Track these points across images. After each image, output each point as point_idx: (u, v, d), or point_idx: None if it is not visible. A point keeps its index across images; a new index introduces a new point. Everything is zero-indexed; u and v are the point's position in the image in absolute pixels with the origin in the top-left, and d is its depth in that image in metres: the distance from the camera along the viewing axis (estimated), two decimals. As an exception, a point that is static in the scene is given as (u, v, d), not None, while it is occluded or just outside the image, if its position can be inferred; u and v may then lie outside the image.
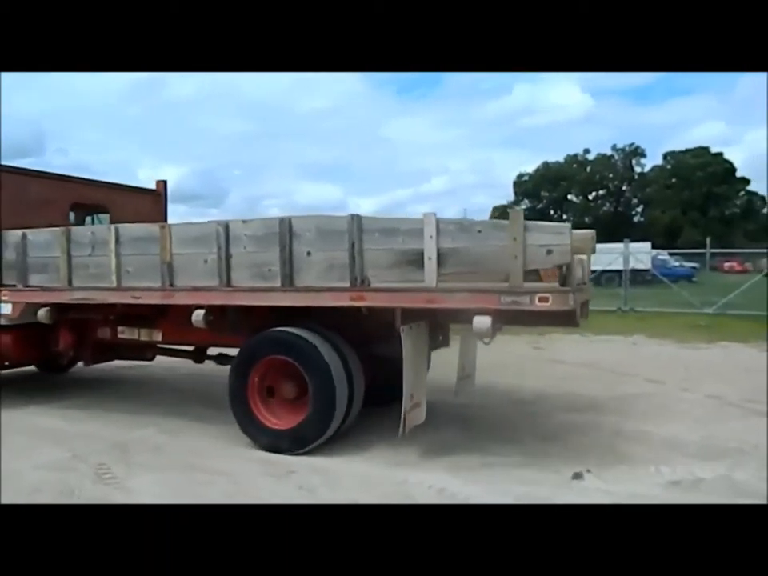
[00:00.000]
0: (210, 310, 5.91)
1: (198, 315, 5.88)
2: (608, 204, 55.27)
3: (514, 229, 4.74)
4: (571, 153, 56.03)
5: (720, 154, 52.76)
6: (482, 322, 4.83)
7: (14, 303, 6.95)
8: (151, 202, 8.93)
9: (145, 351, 7.77)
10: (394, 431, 5.27)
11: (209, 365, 7.52)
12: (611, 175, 54.83)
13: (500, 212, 59.59)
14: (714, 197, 52.13)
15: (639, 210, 53.88)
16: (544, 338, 12.03)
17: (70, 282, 6.58)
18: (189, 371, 8.88)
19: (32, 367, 8.74)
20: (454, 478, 4.86)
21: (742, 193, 52.92)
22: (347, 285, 5.32)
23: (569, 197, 56.95)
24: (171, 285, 6.06)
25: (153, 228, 6.26)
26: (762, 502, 4.20)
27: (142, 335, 7.13)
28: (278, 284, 5.58)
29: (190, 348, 7.49)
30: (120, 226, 6.44)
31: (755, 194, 53.18)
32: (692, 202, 52.47)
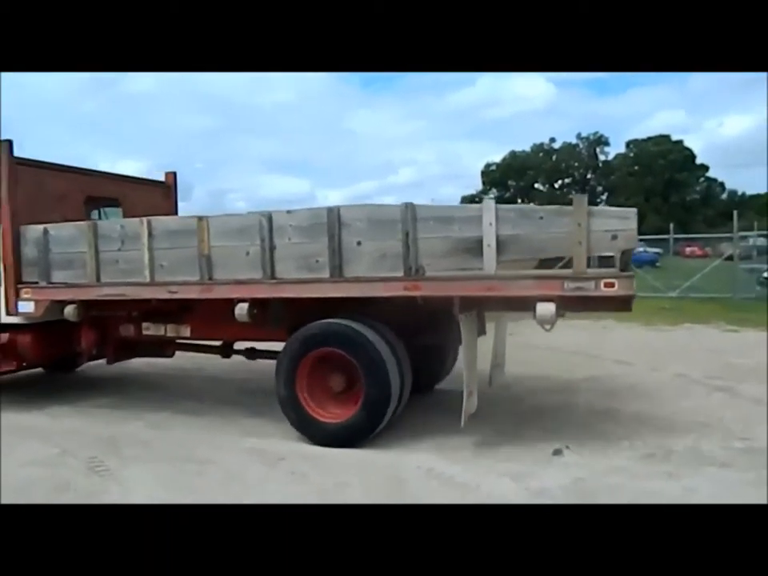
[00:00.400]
0: (254, 303, 5.77)
1: (241, 309, 5.74)
2: (574, 192, 55.85)
3: (579, 214, 4.75)
4: (537, 142, 56.78)
5: (680, 142, 54.05)
6: (546, 308, 4.84)
7: (36, 301, 6.69)
8: (161, 195, 8.71)
9: (167, 348, 7.60)
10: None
11: (184, 360, 7.41)
12: (576, 164, 55.68)
13: (468, 201, 60.00)
14: (675, 183, 53.34)
15: (604, 197, 54.80)
16: (515, 324, 12.06)
17: (98, 277, 6.37)
18: (169, 367, 8.94)
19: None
20: (441, 458, 5.12)
21: (702, 179, 54.34)
22: (400, 274, 5.27)
23: (536, 185, 57.63)
24: (210, 278, 5.91)
25: (189, 221, 6.09)
26: (750, 494, 4.22)
27: (169, 331, 6.96)
28: (326, 275, 5.50)
29: (217, 343, 7.32)
30: (153, 219, 6.27)
31: (714, 180, 54.73)
32: (654, 188, 53.59)
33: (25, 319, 6.96)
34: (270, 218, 5.69)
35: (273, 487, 4.66)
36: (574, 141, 55.92)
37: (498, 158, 57.98)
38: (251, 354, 7.19)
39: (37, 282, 6.70)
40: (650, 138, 53.58)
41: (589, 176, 56.22)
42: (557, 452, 5.18)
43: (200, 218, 5.99)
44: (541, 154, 55.94)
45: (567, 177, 55.98)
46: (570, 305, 5.01)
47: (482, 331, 6.11)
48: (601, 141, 55.56)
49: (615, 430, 5.79)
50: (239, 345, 7.35)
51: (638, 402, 6.82)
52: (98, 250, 6.35)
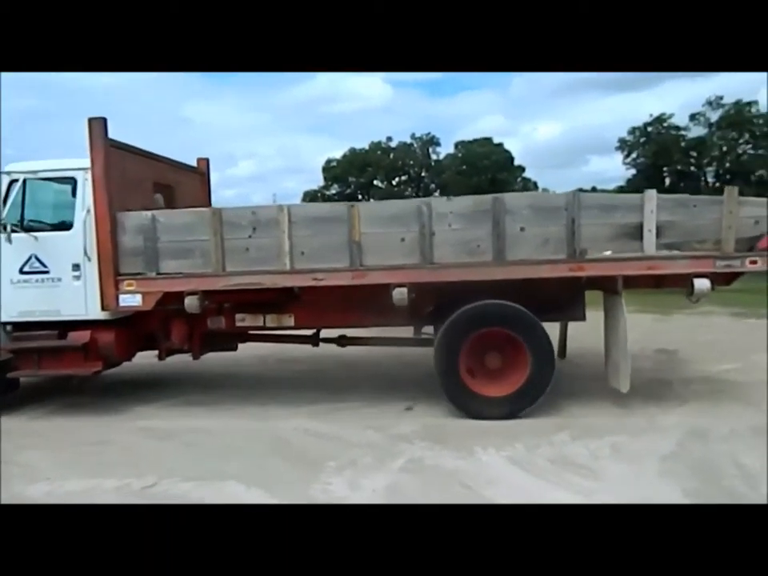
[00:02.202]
0: (411, 287, 5.96)
1: (401, 293, 5.91)
2: (410, 189, 58.86)
3: (731, 204, 5.67)
4: (375, 140, 58.68)
5: (501, 144, 58.95)
6: (703, 283, 5.71)
7: (145, 293, 6.22)
8: (200, 182, 8.33)
9: (244, 339, 7.39)
10: (266, 389, 7.47)
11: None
12: (412, 162, 58.42)
13: (310, 197, 60.39)
14: (498, 182, 58.00)
15: (437, 194, 58.19)
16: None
17: (223, 266, 6.13)
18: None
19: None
20: (315, 421, 6.16)
21: (520, 179, 59.81)
22: (563, 257, 5.83)
23: (375, 182, 59.45)
24: (361, 264, 6.01)
25: (339, 208, 6.13)
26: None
27: (269, 321, 6.83)
28: (488, 258, 5.89)
29: (307, 333, 7.29)
30: (293, 205, 6.20)
31: (529, 179, 60.57)
32: (480, 186, 57.63)
33: (107, 315, 6.45)
34: (429, 205, 5.95)
35: (169, 455, 5.37)
36: (408, 140, 58.60)
37: (338, 153, 58.93)
38: (343, 341, 7.27)
39: (140, 273, 6.24)
40: (475, 140, 57.85)
41: (423, 174, 59.30)
42: (408, 408, 6.46)
43: (351, 205, 6.07)
44: (379, 152, 57.90)
45: (404, 174, 58.57)
46: (716, 280, 5.89)
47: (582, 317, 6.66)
48: (433, 141, 58.81)
49: None
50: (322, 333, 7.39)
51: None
52: (224, 237, 6.11)
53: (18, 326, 6.61)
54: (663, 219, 5.73)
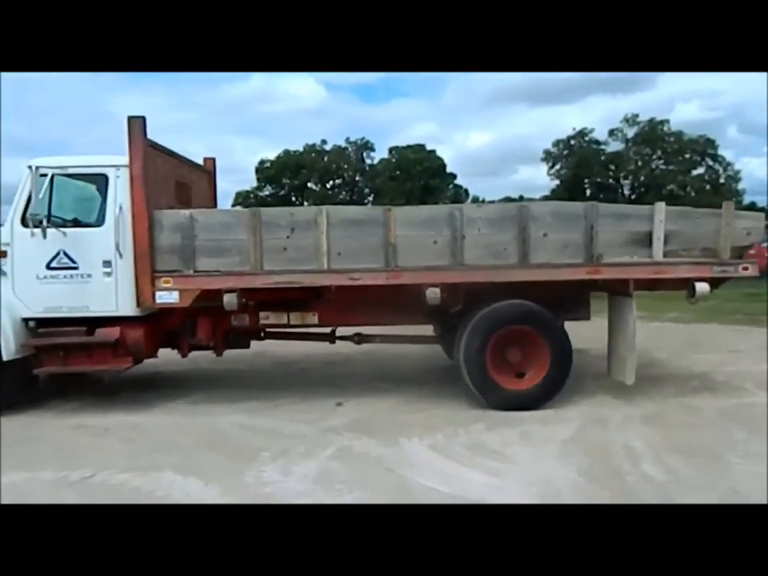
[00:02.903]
0: (443, 287, 6.36)
1: (434, 293, 6.29)
2: (344, 192, 59.07)
3: (727, 216, 6.39)
4: (309, 142, 58.67)
5: (434, 152, 60.17)
6: (703, 286, 6.40)
7: (182, 290, 6.33)
8: (207, 181, 8.42)
9: (261, 336, 7.56)
10: (207, 389, 7.59)
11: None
12: (346, 166, 58.66)
13: (243, 197, 59.59)
14: (431, 189, 59.16)
15: (371, 198, 58.78)
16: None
17: (261, 265, 6.34)
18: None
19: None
20: (251, 416, 6.43)
21: (451, 186, 61.27)
22: (581, 261, 6.39)
23: (309, 184, 59.40)
24: (396, 265, 6.36)
25: (374, 211, 6.46)
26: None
27: (293, 319, 7.06)
28: (514, 261, 6.38)
29: (324, 331, 7.54)
30: (331, 207, 6.48)
31: (460, 186, 62.16)
32: (413, 192, 58.59)
33: (135, 312, 6.52)
34: (461, 210, 6.38)
35: (104, 450, 5.49)
36: (343, 144, 58.92)
37: (271, 155, 58.53)
38: (360, 338, 7.58)
39: (177, 271, 6.35)
40: (409, 146, 58.82)
41: (357, 178, 59.71)
42: (338, 404, 6.81)
43: (388, 209, 6.41)
44: (313, 154, 57.87)
45: (338, 178, 58.73)
46: (712, 283, 6.59)
47: (587, 316, 7.22)
48: (367, 146, 59.32)
49: (382, 385, 7.58)
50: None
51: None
52: (263, 237, 6.32)
53: (41, 322, 6.55)
54: (670, 228, 6.38)
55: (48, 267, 6.42)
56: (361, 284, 6.37)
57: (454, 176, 61.73)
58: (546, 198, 55.56)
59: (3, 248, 6.46)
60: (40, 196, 6.23)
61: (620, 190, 54.50)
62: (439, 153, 60.15)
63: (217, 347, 7.19)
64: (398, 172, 58.23)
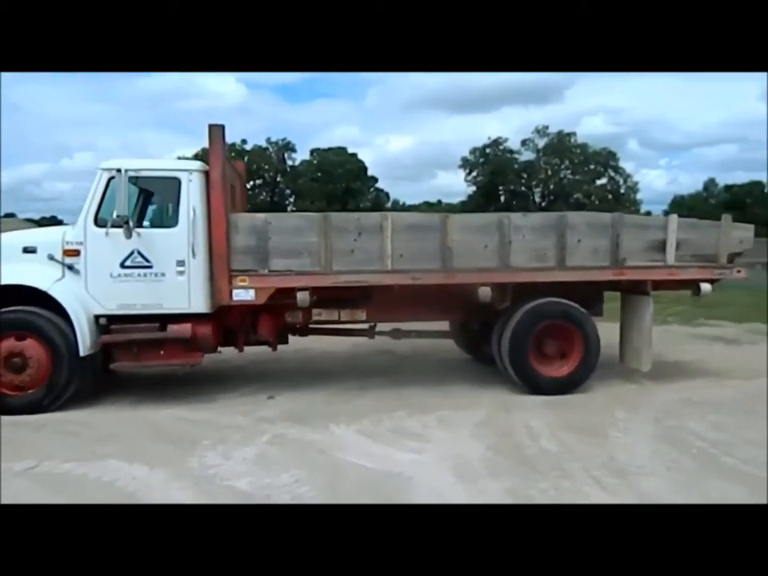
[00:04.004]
0: (493, 287, 7.11)
1: (485, 292, 7.04)
2: (265, 193, 58.83)
3: (726, 227, 7.53)
4: (229, 142, 58.12)
5: (355, 154, 60.99)
6: (707, 286, 7.52)
7: (258, 289, 6.73)
8: (240, 183, 8.75)
9: (310, 333, 8.02)
10: (150, 387, 7.61)
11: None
12: (267, 166, 58.43)
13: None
14: (352, 191, 59.99)
15: (292, 200, 58.83)
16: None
17: (330, 266, 6.86)
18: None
19: None
20: (189, 410, 6.72)
21: (372, 189, 62.34)
22: (607, 264, 7.33)
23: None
24: (452, 267, 7.05)
25: (433, 218, 7.12)
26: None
27: (343, 316, 7.58)
28: (552, 264, 7.23)
29: (364, 326, 8.09)
30: (394, 214, 7.07)
31: (381, 190, 63.32)
32: (334, 194, 59.26)
33: (201, 309, 6.85)
34: (509, 218, 7.17)
35: (46, 443, 5.63)
36: (264, 144, 58.71)
37: (189, 152, 57.40)
38: (396, 334, 8.20)
39: (252, 270, 6.75)
40: (330, 149, 59.41)
41: (278, 179, 59.59)
42: (270, 397, 7.23)
43: (446, 216, 7.10)
44: (233, 154, 57.08)
45: (259, 178, 58.29)
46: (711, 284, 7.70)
47: (601, 313, 8.18)
48: (288, 147, 59.39)
49: (310, 380, 8.02)
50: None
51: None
52: (332, 240, 6.84)
53: (111, 320, 6.75)
54: (681, 237, 7.43)
55: (122, 266, 6.63)
56: (421, 283, 7.00)
57: (375, 179, 62.95)
58: (463, 204, 58.01)
59: (76, 247, 6.62)
60: (123, 198, 6.42)
61: (531, 198, 57.55)
62: (360, 156, 61.31)
63: (273, 342, 7.60)
64: (319, 174, 58.67)
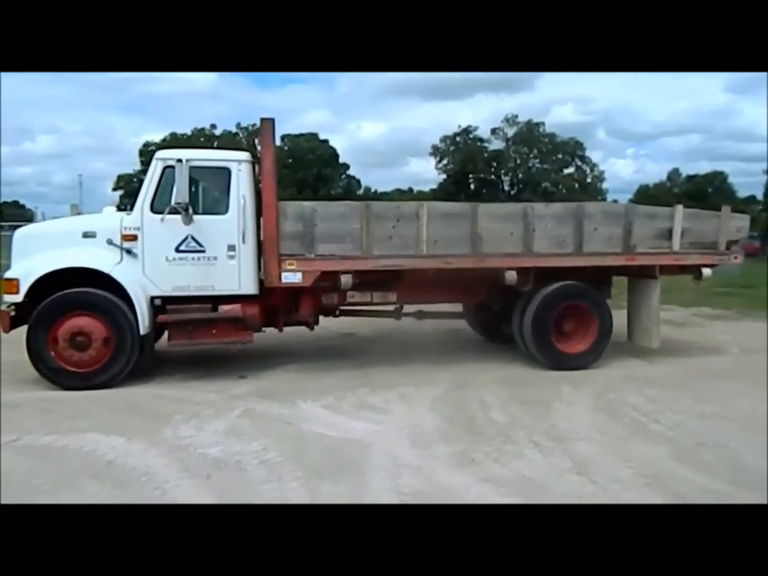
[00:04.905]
0: (518, 270, 7.72)
1: (511, 275, 7.64)
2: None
3: (725, 217, 8.27)
4: (199, 126, 57.43)
5: (327, 141, 60.98)
6: (707, 271, 8.27)
7: (305, 272, 7.20)
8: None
9: (342, 314, 8.51)
10: None
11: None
12: (237, 152, 58.25)
13: (125, 180, 57.21)
14: (323, 178, 60.04)
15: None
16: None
17: (371, 250, 7.37)
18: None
19: None
20: (164, 388, 6.99)
21: (344, 176, 62.47)
22: (620, 251, 8.01)
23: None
24: (481, 252, 7.64)
25: (464, 207, 7.69)
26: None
27: (375, 298, 8.10)
28: (571, 250, 7.88)
29: (390, 308, 8.63)
30: (428, 203, 7.61)
31: (353, 177, 63.50)
32: (305, 181, 59.23)
33: (257, 290, 7.31)
34: (533, 207, 7.78)
35: (25, 419, 5.81)
36: (234, 129, 58.31)
37: (157, 137, 56.78)
38: (420, 315, 8.76)
39: (299, 254, 7.22)
40: (301, 135, 59.31)
41: (249, 164, 59.41)
42: (242, 376, 7.51)
43: (476, 205, 7.67)
44: (202, 139, 56.58)
45: (229, 164, 58.18)
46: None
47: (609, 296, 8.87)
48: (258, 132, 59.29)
49: (279, 361, 8.28)
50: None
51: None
52: (373, 226, 7.35)
53: (166, 300, 7.16)
54: (685, 226, 8.15)
55: (177, 250, 7.03)
56: (453, 267, 7.56)
57: (347, 166, 63.01)
58: (434, 191, 58.65)
59: (134, 232, 7.00)
60: (184, 186, 6.80)
61: (501, 186, 58.52)
62: (332, 142, 61.17)
63: (310, 322, 8.08)
64: (290, 160, 58.51)
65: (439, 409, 6.24)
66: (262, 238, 7.30)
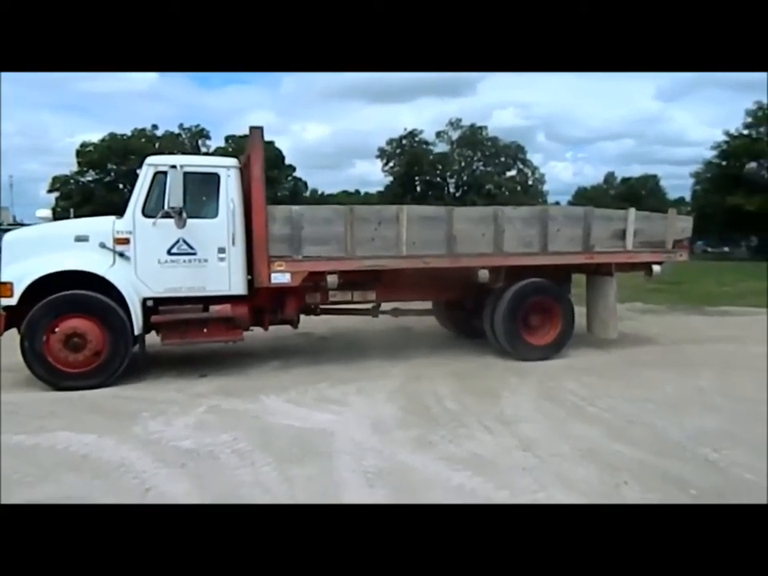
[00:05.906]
0: (490, 269, 8.31)
1: (484, 273, 8.22)
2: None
3: (672, 219, 9.10)
4: (139, 127, 56.37)
5: (272, 142, 60.62)
6: (657, 268, 9.06)
7: (293, 272, 7.58)
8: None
9: (321, 313, 8.89)
10: None
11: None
12: (179, 153, 57.44)
13: (61, 182, 55.76)
14: (269, 180, 59.42)
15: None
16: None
17: (354, 252, 7.82)
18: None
19: None
20: (126, 390, 7.05)
21: (290, 178, 62.39)
22: (580, 250, 8.71)
23: (138, 171, 57.28)
24: (456, 252, 8.19)
25: (440, 210, 8.22)
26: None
27: (356, 297, 8.55)
28: (537, 250, 8.53)
29: (367, 306, 9.08)
30: (407, 207, 8.10)
31: (299, 179, 63.48)
32: (250, 183, 58.64)
33: (246, 290, 7.66)
34: (503, 211, 8.39)
35: None
36: (176, 130, 57.49)
37: (94, 137, 55.43)
38: (396, 312, 9.26)
39: (287, 256, 7.60)
40: (246, 136, 58.89)
41: (193, 167, 58.69)
42: (203, 375, 7.69)
43: (451, 209, 8.22)
44: (143, 140, 55.47)
45: (173, 166, 57.35)
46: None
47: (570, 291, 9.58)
48: (202, 134, 58.39)
49: (237, 360, 8.55)
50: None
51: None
52: (356, 229, 7.80)
53: (158, 302, 7.43)
54: (637, 227, 8.91)
55: (169, 253, 7.31)
56: (431, 266, 8.09)
57: (293, 168, 62.93)
58: (381, 194, 59.37)
59: (126, 236, 7.25)
60: (179, 190, 7.07)
61: (446, 188, 59.65)
62: (277, 144, 61.08)
63: (294, 321, 8.47)
64: (235, 162, 58.31)
65: (396, 400, 6.60)
66: (250, 240, 7.63)
